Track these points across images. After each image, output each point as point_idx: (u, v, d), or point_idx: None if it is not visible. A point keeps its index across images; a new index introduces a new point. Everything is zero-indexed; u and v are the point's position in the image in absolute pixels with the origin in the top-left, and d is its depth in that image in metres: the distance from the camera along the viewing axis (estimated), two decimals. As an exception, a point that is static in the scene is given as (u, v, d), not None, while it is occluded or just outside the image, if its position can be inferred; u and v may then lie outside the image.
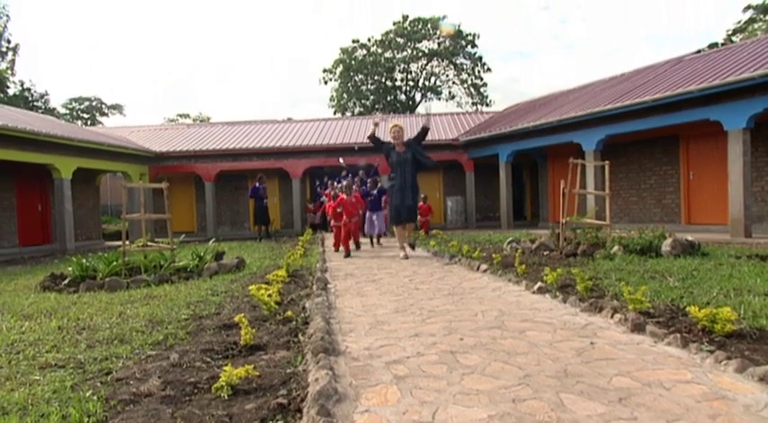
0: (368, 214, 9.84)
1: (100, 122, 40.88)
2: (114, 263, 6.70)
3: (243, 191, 19.07)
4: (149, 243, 7.60)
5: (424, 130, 7.68)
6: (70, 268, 6.73)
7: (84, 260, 6.78)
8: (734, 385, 2.00)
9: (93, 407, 2.09)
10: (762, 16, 26.83)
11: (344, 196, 8.58)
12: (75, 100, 41.81)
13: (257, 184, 14.14)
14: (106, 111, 43.42)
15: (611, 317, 3.17)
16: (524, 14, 70.72)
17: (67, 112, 40.55)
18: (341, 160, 13.59)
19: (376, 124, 7.78)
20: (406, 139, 7.72)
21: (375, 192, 10.04)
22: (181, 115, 46.44)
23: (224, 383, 2.24)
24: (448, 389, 2.09)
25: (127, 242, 7.16)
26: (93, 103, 42.57)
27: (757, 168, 10.30)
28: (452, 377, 2.23)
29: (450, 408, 1.89)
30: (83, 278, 6.36)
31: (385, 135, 8.61)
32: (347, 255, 8.13)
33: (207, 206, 17.54)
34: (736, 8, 60.41)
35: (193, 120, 44.14)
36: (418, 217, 11.31)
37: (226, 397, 2.18)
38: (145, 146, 17.44)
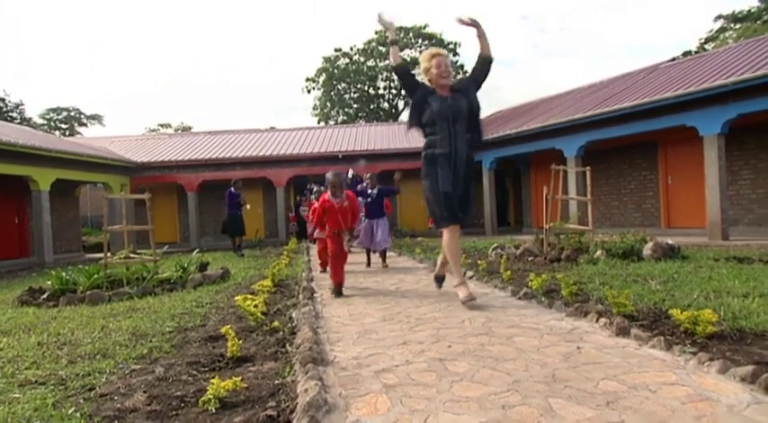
0: (365, 223, 7.33)
1: (79, 133, 40.20)
2: (95, 275, 6.57)
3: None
4: (131, 255, 7.48)
5: (486, 61, 4.24)
6: (49, 282, 6.57)
7: (63, 273, 6.63)
8: (717, 386, 2.04)
9: (76, 424, 2.05)
10: (732, 25, 27.67)
11: (330, 197, 5.23)
12: (53, 110, 41.10)
13: (233, 190, 12.31)
14: (85, 121, 42.75)
15: (597, 321, 3.21)
16: (504, 24, 71.78)
17: (45, 122, 39.82)
18: (350, 173, 10.83)
19: (390, 37, 4.37)
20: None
21: (374, 191, 7.41)
22: (162, 125, 45.95)
23: (211, 396, 2.20)
24: (437, 396, 2.09)
25: (108, 254, 7.04)
26: (72, 114, 41.88)
27: (732, 172, 10.57)
28: (442, 385, 2.23)
29: (441, 415, 1.90)
30: (63, 292, 6.22)
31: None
32: (336, 291, 4.98)
33: (190, 216, 17.35)
34: (707, 17, 62.15)
35: (175, 129, 43.69)
36: None
37: (213, 410, 2.15)
38: (126, 156, 17.21)
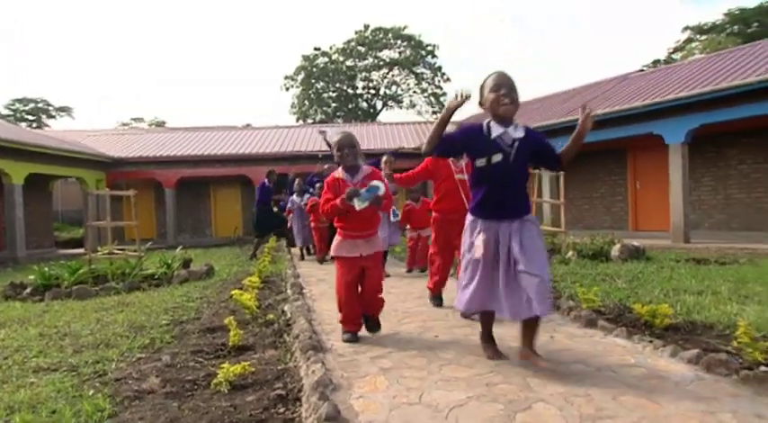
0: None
1: (47, 125, 38.99)
2: (80, 271, 6.62)
3: (204, 198, 18.99)
4: (115, 250, 7.53)
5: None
6: (31, 277, 6.60)
7: (45, 268, 6.66)
8: (668, 367, 2.37)
9: (102, 402, 2.23)
10: (698, 36, 28.88)
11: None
12: (19, 100, 39.79)
13: (266, 182, 9.83)
14: (54, 113, 41.53)
15: (568, 314, 3.54)
16: (486, 30, 72.83)
17: (10, 113, 38.56)
18: (326, 132, 9.56)
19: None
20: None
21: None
22: (135, 119, 45.05)
23: (222, 379, 2.42)
24: (429, 377, 2.36)
25: (86, 249, 7.08)
26: (39, 105, 40.64)
27: (695, 179, 11.19)
28: (432, 368, 2.50)
29: (434, 392, 2.16)
30: (46, 287, 6.25)
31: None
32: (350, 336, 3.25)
33: (167, 213, 17.23)
34: (676, 28, 64.55)
35: (148, 124, 42.88)
36: (416, 232, 6.59)
37: (226, 391, 2.36)
38: (101, 151, 16.97)
